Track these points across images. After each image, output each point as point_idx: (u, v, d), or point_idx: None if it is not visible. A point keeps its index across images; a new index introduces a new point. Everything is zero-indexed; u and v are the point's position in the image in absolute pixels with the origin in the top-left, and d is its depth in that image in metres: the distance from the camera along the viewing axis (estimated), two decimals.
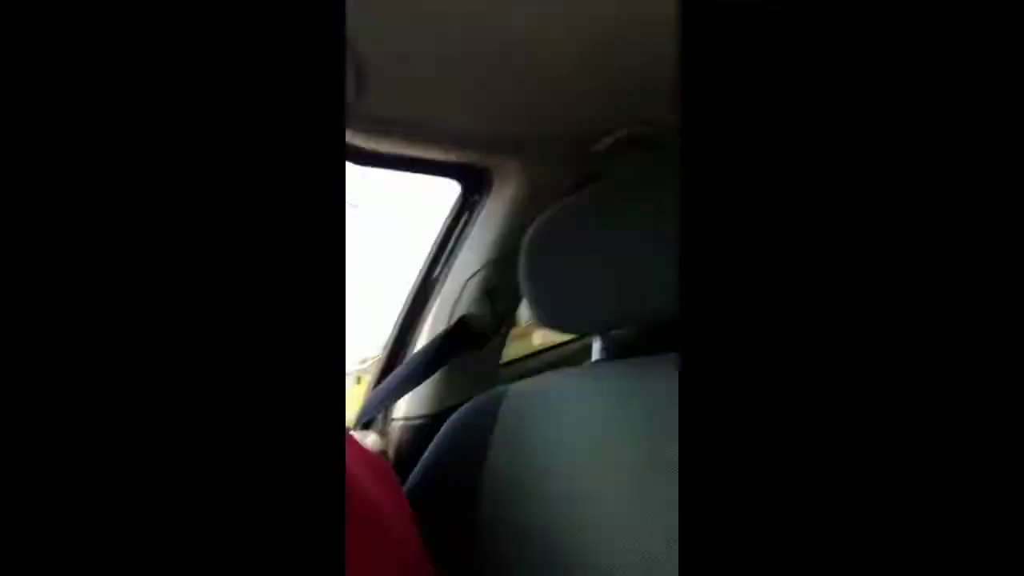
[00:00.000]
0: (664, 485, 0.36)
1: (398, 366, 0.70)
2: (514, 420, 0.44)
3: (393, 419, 0.67)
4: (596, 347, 0.54)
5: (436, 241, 0.78)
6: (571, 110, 0.65)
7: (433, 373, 0.64)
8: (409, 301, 0.75)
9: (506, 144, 0.68)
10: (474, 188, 0.77)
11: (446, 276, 0.74)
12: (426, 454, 0.49)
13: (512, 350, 0.86)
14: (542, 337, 0.98)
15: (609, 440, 0.40)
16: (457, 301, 0.71)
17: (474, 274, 0.71)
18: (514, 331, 0.78)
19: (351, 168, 0.60)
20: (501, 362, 0.77)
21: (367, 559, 0.30)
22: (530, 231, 0.51)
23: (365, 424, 0.69)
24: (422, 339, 0.71)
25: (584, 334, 0.54)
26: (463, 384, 0.68)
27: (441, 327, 0.70)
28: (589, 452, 0.40)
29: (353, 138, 0.55)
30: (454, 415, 0.50)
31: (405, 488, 0.48)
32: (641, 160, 0.76)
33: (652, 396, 0.40)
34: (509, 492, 0.42)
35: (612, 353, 0.53)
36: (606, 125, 0.71)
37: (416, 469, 0.49)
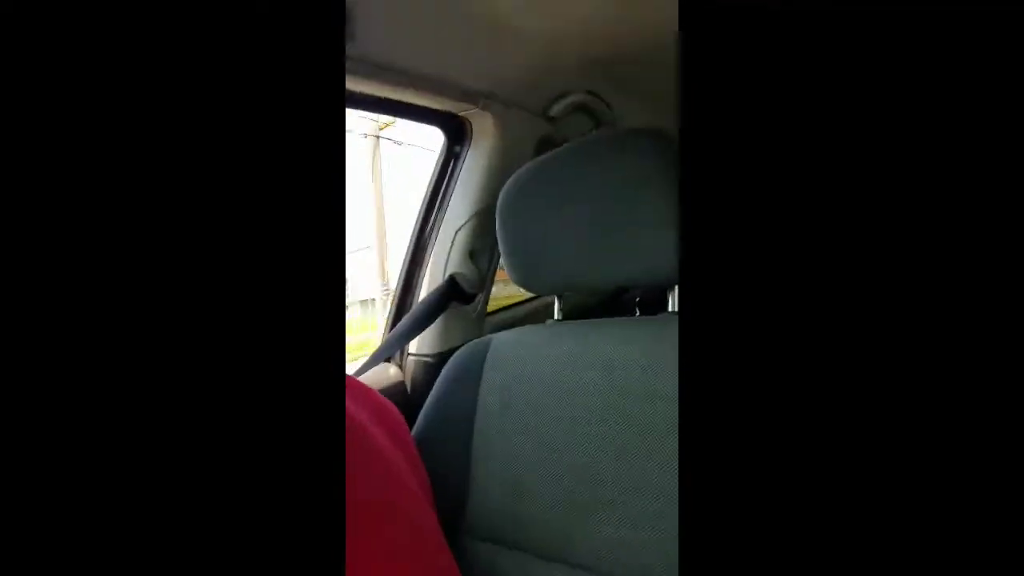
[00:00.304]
0: (608, 436, 0.43)
1: (407, 309, 0.82)
2: (497, 369, 0.53)
3: (409, 354, 0.81)
4: (556, 307, 0.62)
5: (428, 192, 0.85)
6: (533, 74, 0.70)
7: (432, 321, 0.75)
8: (411, 249, 0.85)
9: (480, 97, 0.73)
10: (456, 138, 0.82)
11: (439, 226, 0.82)
12: (429, 397, 0.57)
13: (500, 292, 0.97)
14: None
15: (567, 389, 0.47)
16: (450, 250, 0.80)
17: (462, 225, 0.80)
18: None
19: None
20: (487, 311, 0.89)
21: (374, 497, 0.31)
22: (502, 194, 0.57)
23: (387, 359, 0.83)
24: (425, 282, 0.83)
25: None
26: (457, 330, 0.80)
27: (439, 273, 0.80)
28: (553, 398, 0.47)
29: (354, 83, 0.60)
30: (447, 365, 0.58)
31: (414, 430, 0.55)
32: (588, 125, 0.87)
33: (600, 356, 0.47)
34: (495, 430, 0.49)
35: (565, 314, 0.60)
36: (563, 90, 0.79)
37: (422, 412, 0.57)
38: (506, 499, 0.47)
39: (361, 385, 0.45)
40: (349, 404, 0.37)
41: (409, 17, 0.53)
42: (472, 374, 0.54)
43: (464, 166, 0.81)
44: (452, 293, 0.77)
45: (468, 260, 0.80)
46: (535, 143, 0.82)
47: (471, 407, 0.52)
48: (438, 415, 0.55)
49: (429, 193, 0.84)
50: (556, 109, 0.82)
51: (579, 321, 0.54)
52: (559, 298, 0.61)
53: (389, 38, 0.56)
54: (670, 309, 0.54)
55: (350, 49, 0.51)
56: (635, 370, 0.45)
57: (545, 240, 0.53)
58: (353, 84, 0.61)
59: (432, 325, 0.78)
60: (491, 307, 0.90)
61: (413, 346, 0.80)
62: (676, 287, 0.54)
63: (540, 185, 0.55)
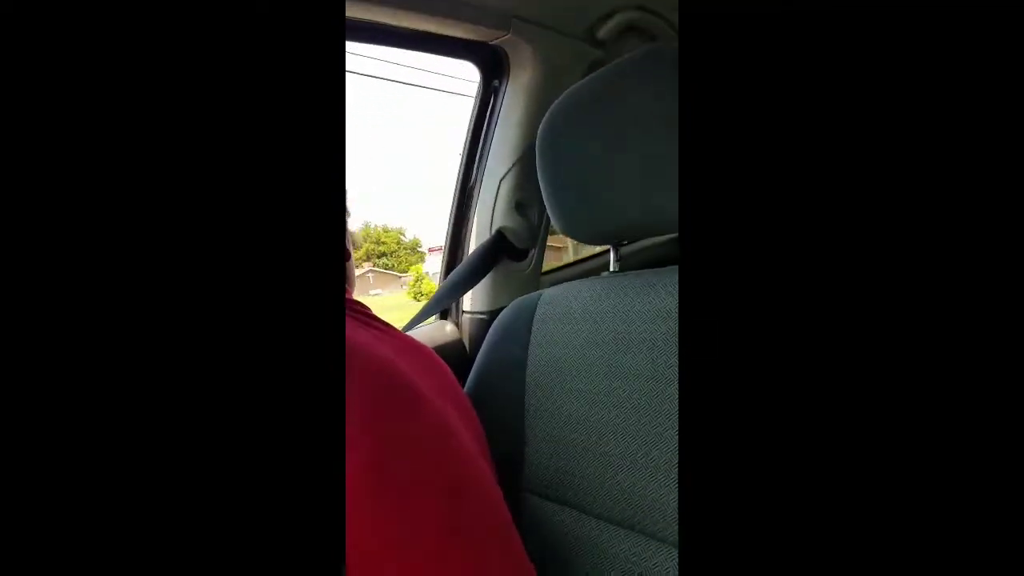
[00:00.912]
0: (659, 394, 0.41)
1: (456, 264, 0.79)
2: (546, 323, 0.50)
3: (464, 312, 0.79)
4: (612, 257, 0.55)
5: (467, 137, 0.79)
6: None
7: (481, 278, 0.72)
8: (455, 202, 0.80)
9: (517, 23, 0.64)
10: (492, 72, 0.74)
11: (482, 176, 0.77)
12: (479, 353, 0.55)
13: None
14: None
15: (616, 347, 0.44)
16: (495, 202, 0.75)
17: (506, 173, 0.74)
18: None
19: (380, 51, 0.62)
20: (542, 271, 0.83)
21: (423, 443, 0.31)
22: (540, 130, 0.50)
23: (443, 315, 0.82)
24: (472, 236, 0.79)
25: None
26: (511, 287, 0.76)
27: (485, 227, 0.76)
28: (602, 357, 0.45)
29: (374, 13, 0.56)
30: (497, 319, 0.56)
31: (465, 387, 0.55)
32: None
33: (651, 310, 0.44)
34: (547, 384, 0.48)
35: (623, 265, 0.55)
36: (610, 7, 0.66)
37: (473, 368, 0.56)
38: (557, 455, 0.46)
39: (411, 340, 0.45)
40: (399, 359, 0.37)
41: None
42: (521, 330, 0.52)
43: (503, 104, 0.74)
44: (500, 248, 0.73)
45: (515, 213, 0.75)
46: (583, 72, 0.72)
47: (522, 363, 0.51)
48: (489, 371, 0.54)
49: (469, 138, 0.78)
50: (604, 31, 0.71)
51: (636, 272, 0.50)
52: (615, 248, 0.56)
53: None
54: None
55: None
56: None
57: (591, 180, 0.47)
58: (362, 12, 0.55)
59: (485, 282, 0.75)
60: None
61: (467, 303, 0.79)
62: None
63: (581, 116, 0.48)
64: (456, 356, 0.76)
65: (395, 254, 14.32)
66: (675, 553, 0.38)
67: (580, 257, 0.97)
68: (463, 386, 0.54)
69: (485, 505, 0.35)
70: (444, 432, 0.35)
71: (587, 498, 0.44)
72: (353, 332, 0.36)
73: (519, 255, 0.76)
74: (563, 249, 1.01)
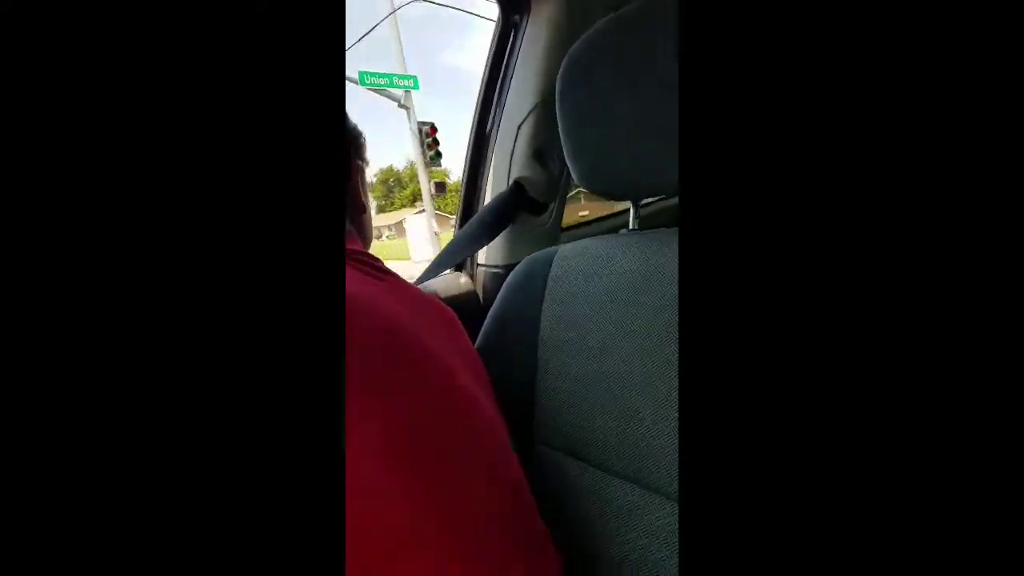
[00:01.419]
0: (668, 351, 0.40)
1: (472, 214, 0.77)
2: (561, 280, 0.49)
3: (479, 265, 0.78)
4: (631, 214, 0.52)
5: (484, 77, 0.74)
6: None
7: (499, 231, 0.69)
8: (471, 147, 0.77)
9: None
10: (512, 6, 0.67)
11: (499, 121, 0.72)
12: (493, 306, 0.55)
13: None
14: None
15: (629, 306, 0.44)
16: (513, 148, 0.71)
17: (526, 117, 0.69)
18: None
19: None
20: (562, 226, 0.79)
21: (427, 395, 0.32)
22: (559, 75, 0.46)
23: (458, 267, 0.81)
24: (489, 184, 0.76)
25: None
26: (527, 242, 0.74)
27: (502, 176, 0.73)
28: (616, 314, 0.44)
29: None
30: (512, 274, 0.54)
31: (479, 338, 0.55)
32: None
33: (667, 269, 0.42)
34: (559, 340, 0.48)
35: (643, 224, 0.52)
36: None
37: (487, 320, 0.55)
38: (568, 410, 0.47)
39: (420, 293, 0.45)
40: (406, 312, 0.38)
41: None
42: (536, 285, 0.51)
43: (523, 43, 0.68)
44: (518, 202, 0.70)
45: (534, 162, 0.71)
46: (611, 6, 0.64)
47: (535, 318, 0.50)
48: (503, 324, 0.54)
49: (486, 78, 0.73)
50: None
51: (656, 231, 0.47)
52: (635, 205, 0.52)
53: None
54: None
55: None
56: None
57: (613, 131, 0.44)
58: None
59: (502, 235, 0.73)
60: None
61: (482, 256, 0.77)
62: None
63: (605, 59, 0.44)
64: (470, 308, 0.76)
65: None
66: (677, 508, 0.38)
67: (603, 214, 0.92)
68: (475, 339, 0.54)
69: (496, 457, 0.36)
70: (452, 386, 0.35)
71: (597, 452, 0.44)
72: (360, 286, 0.36)
73: (538, 209, 0.72)
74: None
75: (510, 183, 0.71)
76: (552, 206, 0.74)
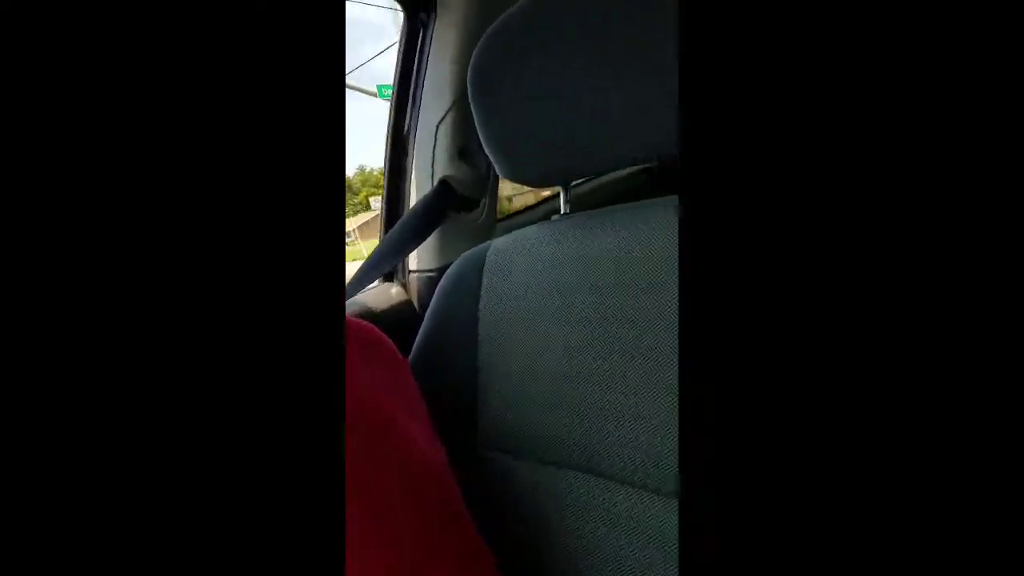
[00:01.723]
0: (612, 336, 0.40)
1: (396, 221, 0.74)
2: (497, 275, 0.48)
3: (410, 271, 0.75)
4: (562, 199, 0.51)
5: (396, 78, 0.72)
6: None
7: (428, 234, 0.67)
8: (388, 154, 0.74)
9: None
10: (417, 5, 0.66)
11: (416, 122, 0.71)
12: (428, 312, 0.52)
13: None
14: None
15: (570, 291, 0.43)
16: (434, 150, 0.70)
17: (442, 118, 0.68)
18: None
19: None
20: (497, 218, 0.78)
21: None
22: (471, 64, 0.45)
23: (387, 277, 0.78)
24: (412, 191, 0.73)
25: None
26: (461, 240, 0.72)
27: (425, 178, 0.71)
28: (556, 301, 0.44)
29: None
30: (445, 276, 0.52)
31: (414, 349, 0.52)
32: None
33: (600, 252, 0.42)
34: (500, 338, 0.46)
35: (576, 207, 0.52)
36: None
37: (421, 328, 0.53)
38: (514, 408, 0.46)
39: (359, 331, 0.41)
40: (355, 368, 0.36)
41: None
42: (470, 284, 0.50)
43: (432, 41, 0.67)
44: (446, 200, 0.68)
45: (459, 160, 0.69)
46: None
47: (472, 319, 0.49)
48: (439, 331, 0.52)
49: (397, 80, 0.71)
50: None
51: (586, 213, 0.48)
52: (564, 189, 0.53)
53: None
54: None
55: None
56: (641, 263, 0.40)
57: (530, 115, 0.43)
58: None
59: (432, 237, 0.71)
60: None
61: (413, 262, 0.74)
62: None
63: (516, 45, 0.43)
64: (406, 320, 0.73)
65: None
66: (641, 496, 0.39)
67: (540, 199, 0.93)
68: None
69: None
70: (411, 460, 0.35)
71: (548, 448, 0.44)
72: None
73: (469, 205, 0.71)
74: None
75: (435, 184, 0.69)
76: (484, 200, 0.73)
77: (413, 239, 0.66)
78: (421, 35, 0.69)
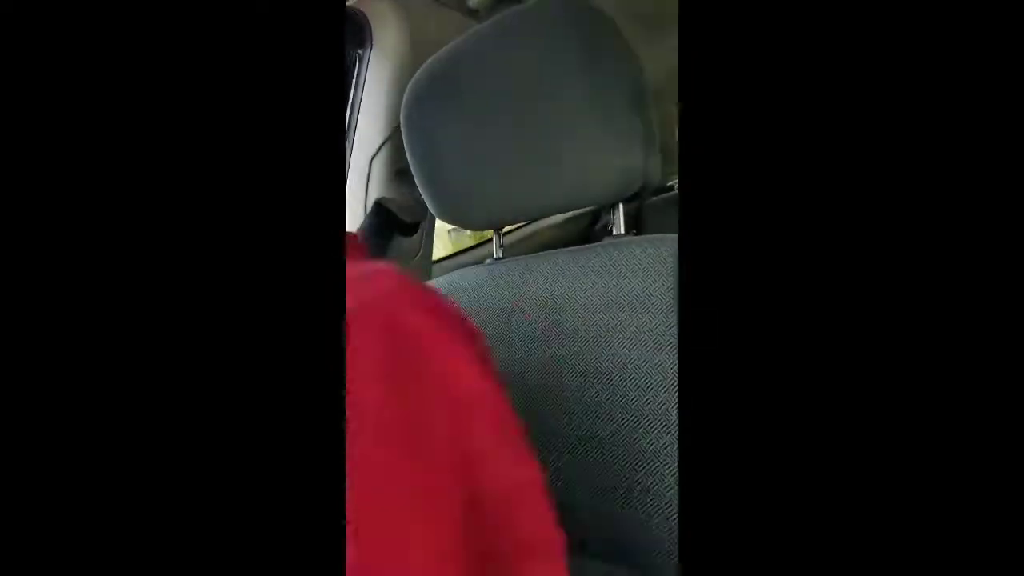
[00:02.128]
0: (555, 393, 0.39)
1: None
2: None
3: None
4: (495, 243, 0.50)
5: None
6: None
7: None
8: None
9: None
10: (354, 39, 0.66)
11: (351, 150, 0.69)
12: None
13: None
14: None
15: (504, 339, 0.42)
16: (367, 184, 0.68)
17: (377, 151, 0.67)
18: None
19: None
20: (433, 258, 0.77)
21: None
22: (403, 104, 0.45)
23: None
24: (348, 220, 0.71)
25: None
26: None
27: (359, 208, 0.69)
28: (497, 350, 0.42)
29: None
30: None
31: None
32: None
33: (533, 298, 0.41)
34: None
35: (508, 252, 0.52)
36: None
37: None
38: None
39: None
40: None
41: None
42: None
43: (368, 76, 0.67)
44: (384, 222, 0.65)
45: (395, 181, 0.68)
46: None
47: None
48: None
49: None
50: (475, 0, 0.66)
51: (520, 257, 0.47)
52: (498, 233, 0.52)
53: None
54: (614, 231, 0.46)
55: None
56: (575, 311, 0.39)
57: (462, 158, 0.42)
58: None
59: None
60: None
61: None
62: (620, 206, 0.45)
63: (448, 87, 0.42)
64: None
65: None
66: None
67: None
68: None
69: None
70: None
71: None
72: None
73: (407, 229, 0.68)
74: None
75: (369, 207, 0.67)
76: (422, 229, 0.71)
77: None
78: (356, 71, 0.68)
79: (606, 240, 0.44)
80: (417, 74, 0.45)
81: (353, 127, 0.69)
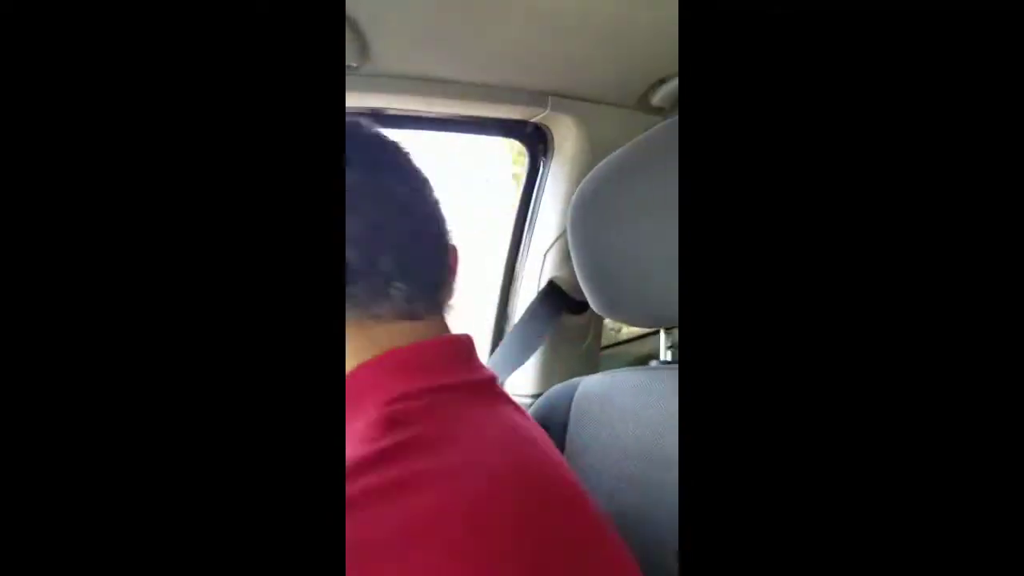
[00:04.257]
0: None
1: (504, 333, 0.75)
2: (582, 423, 0.44)
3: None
4: (662, 343, 0.48)
5: (516, 211, 0.78)
6: (613, 62, 0.57)
7: (535, 345, 0.64)
8: (504, 279, 0.78)
9: (554, 99, 0.63)
10: (537, 147, 0.73)
11: (528, 248, 0.74)
12: None
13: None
14: None
15: (651, 461, 0.38)
16: (541, 274, 0.71)
17: (551, 245, 0.70)
18: None
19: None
20: (602, 345, 0.75)
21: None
22: (571, 205, 0.46)
23: None
24: (517, 316, 0.75)
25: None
26: (564, 364, 0.69)
27: (532, 292, 0.72)
28: (636, 473, 0.39)
29: (404, 102, 0.57)
30: (531, 410, 0.49)
31: None
32: None
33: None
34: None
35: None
36: (660, 73, 0.61)
37: None
38: None
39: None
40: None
41: (433, 21, 0.45)
42: (554, 428, 0.45)
43: (548, 178, 0.72)
44: (555, 301, 0.65)
45: (566, 264, 0.69)
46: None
47: None
48: None
49: (516, 215, 0.77)
50: (659, 97, 0.66)
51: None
52: (666, 331, 0.48)
53: (413, 48, 0.49)
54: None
55: (368, 68, 0.46)
56: None
57: (627, 256, 0.42)
58: (392, 102, 0.57)
59: (534, 360, 0.69)
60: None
61: (511, 385, 0.73)
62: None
63: (613, 186, 0.43)
64: None
65: None
66: None
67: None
68: None
69: None
70: None
71: None
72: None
73: (577, 307, 0.67)
74: None
75: (542, 286, 0.68)
76: (590, 316, 0.69)
77: (523, 348, 0.63)
78: (540, 176, 0.75)
79: None
80: (587, 176, 0.46)
81: (532, 227, 0.74)
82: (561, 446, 0.44)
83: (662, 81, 0.66)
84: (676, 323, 0.45)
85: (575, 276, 0.69)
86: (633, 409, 0.41)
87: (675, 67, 0.65)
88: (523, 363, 0.66)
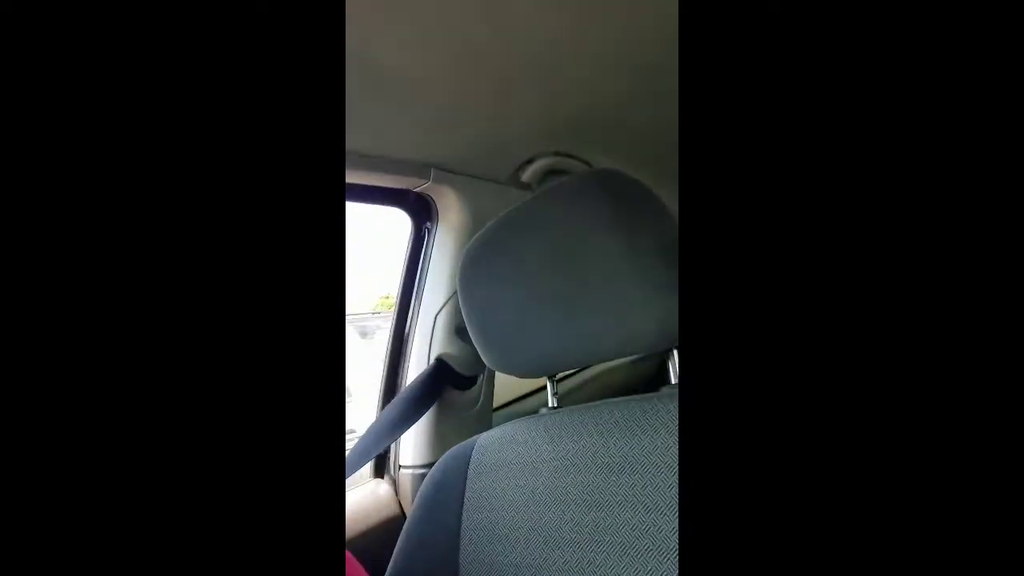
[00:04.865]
0: (615, 552, 0.36)
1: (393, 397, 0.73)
2: (481, 478, 0.45)
3: (400, 467, 0.71)
4: (549, 391, 0.50)
5: (403, 276, 0.79)
6: (489, 142, 0.64)
7: (419, 416, 0.64)
8: (390, 341, 0.77)
9: (437, 172, 0.67)
10: (421, 216, 0.76)
11: (418, 311, 0.74)
12: (406, 522, 0.48)
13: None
14: None
15: (550, 505, 0.39)
16: (431, 339, 0.72)
17: (440, 309, 0.72)
18: None
19: None
20: (495, 405, 0.77)
21: None
22: (460, 268, 0.49)
23: (378, 472, 0.73)
24: (410, 376, 0.73)
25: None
26: (455, 431, 0.69)
27: (423, 364, 0.72)
28: (537, 519, 0.40)
29: None
30: (426, 479, 0.48)
31: (389, 568, 0.46)
32: None
33: (585, 456, 0.40)
34: (484, 559, 0.42)
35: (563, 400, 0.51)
36: (530, 155, 0.71)
37: (398, 543, 0.47)
38: None
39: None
40: None
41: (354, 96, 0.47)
42: (453, 488, 0.45)
43: (435, 245, 0.75)
44: (441, 376, 0.67)
45: (456, 338, 0.71)
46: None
47: (454, 532, 0.43)
48: (417, 546, 0.45)
49: (403, 279, 0.77)
50: (528, 175, 0.75)
51: (575, 408, 0.45)
52: (551, 380, 0.51)
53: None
54: (672, 380, 0.45)
55: None
56: (635, 471, 0.37)
57: (514, 313, 0.44)
58: None
59: (425, 427, 0.68)
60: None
61: (406, 456, 0.70)
62: (675, 353, 0.45)
63: (498, 250, 0.47)
64: (397, 524, 0.65)
65: None
66: None
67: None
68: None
69: None
70: None
71: None
72: None
73: (465, 382, 0.69)
74: None
75: (431, 361, 0.69)
76: (480, 380, 0.71)
77: (407, 418, 0.63)
78: (425, 242, 0.77)
79: (664, 390, 0.42)
80: (472, 239, 0.49)
81: (420, 290, 0.75)
82: (460, 505, 0.44)
83: (530, 161, 0.75)
84: (556, 373, 0.49)
85: (463, 352, 0.72)
86: (524, 455, 0.43)
87: (543, 148, 0.74)
88: (407, 429, 0.65)
